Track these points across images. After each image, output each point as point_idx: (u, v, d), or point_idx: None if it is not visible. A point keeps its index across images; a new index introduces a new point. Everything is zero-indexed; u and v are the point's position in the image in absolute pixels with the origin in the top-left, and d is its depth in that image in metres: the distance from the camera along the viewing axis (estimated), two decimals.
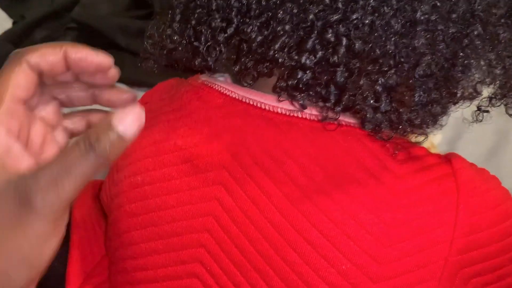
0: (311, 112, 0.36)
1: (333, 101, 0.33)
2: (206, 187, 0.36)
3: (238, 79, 0.38)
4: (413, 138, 0.36)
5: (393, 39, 0.30)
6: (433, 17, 0.31)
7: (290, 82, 0.33)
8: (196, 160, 0.37)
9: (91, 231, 0.47)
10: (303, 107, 0.35)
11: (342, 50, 0.31)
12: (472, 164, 0.36)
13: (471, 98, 0.35)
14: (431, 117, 0.34)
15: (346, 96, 0.33)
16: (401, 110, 0.32)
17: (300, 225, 0.34)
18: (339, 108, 0.33)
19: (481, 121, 0.36)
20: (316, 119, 0.35)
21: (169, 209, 0.37)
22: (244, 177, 0.35)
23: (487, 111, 0.36)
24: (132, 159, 0.40)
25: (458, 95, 0.34)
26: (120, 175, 0.41)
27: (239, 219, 0.35)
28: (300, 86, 0.33)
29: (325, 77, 0.32)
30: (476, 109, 0.38)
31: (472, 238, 0.33)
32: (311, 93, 0.33)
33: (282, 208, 0.34)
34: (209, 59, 0.35)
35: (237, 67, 0.36)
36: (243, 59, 0.35)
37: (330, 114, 0.34)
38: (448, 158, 0.36)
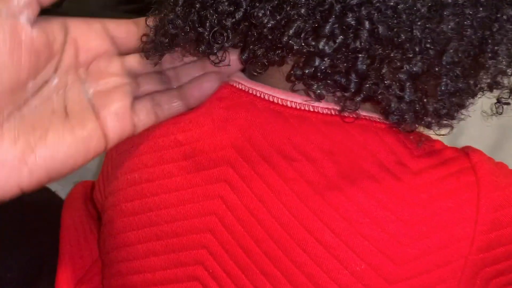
0: (325, 106, 0.34)
1: (353, 90, 0.31)
2: (209, 184, 0.34)
3: (245, 69, 0.37)
4: (436, 131, 0.34)
5: (418, 23, 0.29)
6: (460, 1, 0.29)
7: (307, 70, 0.31)
8: (198, 156, 0.35)
9: (81, 236, 0.45)
10: (320, 97, 0.33)
11: (364, 35, 0.29)
12: (490, 158, 0.35)
13: (494, 88, 0.33)
14: (457, 108, 0.32)
15: (368, 85, 0.31)
16: (426, 99, 0.31)
17: (311, 224, 0.32)
18: (359, 98, 0.31)
19: (501, 113, 0.34)
20: (329, 112, 0.34)
21: (169, 208, 0.35)
22: (250, 173, 0.33)
23: (508, 103, 0.34)
24: (128, 155, 0.38)
25: (484, 84, 0.32)
26: (115, 171, 0.38)
27: (244, 218, 0.33)
28: (318, 74, 0.31)
29: (345, 65, 0.31)
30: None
31: (494, 236, 0.32)
32: (329, 81, 0.32)
33: (292, 207, 0.32)
34: (214, 46, 0.33)
35: (245, 55, 0.34)
36: (251, 46, 0.33)
37: (349, 105, 0.32)
38: (466, 152, 0.34)
